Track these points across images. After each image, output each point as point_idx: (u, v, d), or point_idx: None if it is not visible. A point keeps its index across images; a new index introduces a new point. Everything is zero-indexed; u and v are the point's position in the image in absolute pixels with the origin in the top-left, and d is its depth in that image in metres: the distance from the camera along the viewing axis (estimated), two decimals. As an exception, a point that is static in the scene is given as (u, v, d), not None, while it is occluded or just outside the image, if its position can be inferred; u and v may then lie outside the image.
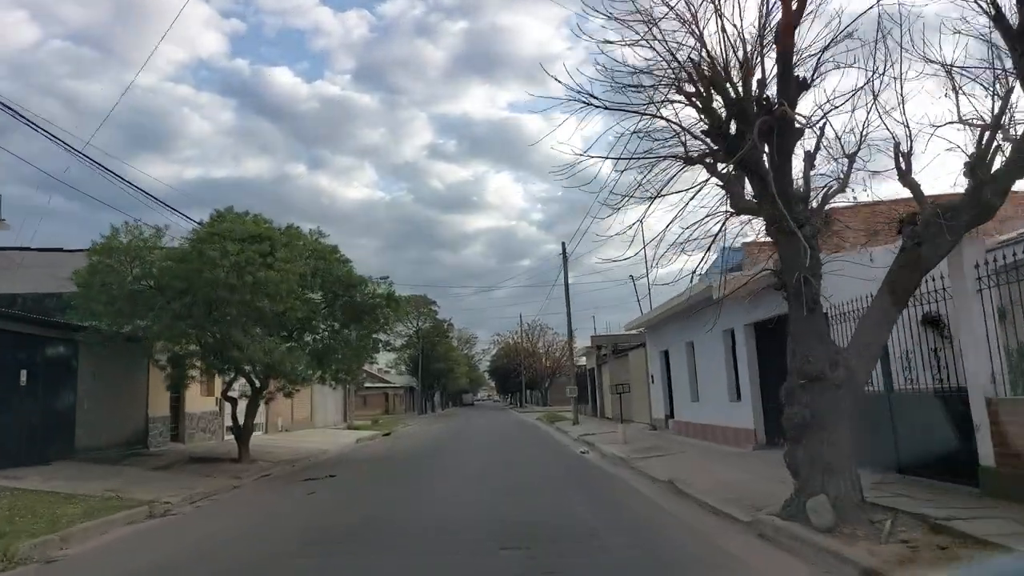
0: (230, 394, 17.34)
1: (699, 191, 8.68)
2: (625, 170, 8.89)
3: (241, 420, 16.99)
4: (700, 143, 8.40)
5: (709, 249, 8.83)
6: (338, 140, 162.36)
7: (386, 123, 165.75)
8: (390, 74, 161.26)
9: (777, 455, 13.44)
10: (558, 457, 16.93)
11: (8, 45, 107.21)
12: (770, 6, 7.53)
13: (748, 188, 8.15)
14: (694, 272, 12.27)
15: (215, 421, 22.59)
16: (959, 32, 7.26)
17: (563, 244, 31.06)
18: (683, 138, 8.50)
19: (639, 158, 8.77)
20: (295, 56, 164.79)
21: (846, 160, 7.76)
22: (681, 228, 8.79)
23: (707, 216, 8.69)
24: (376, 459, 18.43)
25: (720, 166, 8.34)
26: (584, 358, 39.04)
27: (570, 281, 31.15)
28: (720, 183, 8.61)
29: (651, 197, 8.51)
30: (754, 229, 8.80)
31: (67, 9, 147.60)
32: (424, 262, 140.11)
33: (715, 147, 8.34)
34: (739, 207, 8.43)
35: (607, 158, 9.06)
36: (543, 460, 16.28)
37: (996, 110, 6.89)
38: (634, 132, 8.48)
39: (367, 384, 72.23)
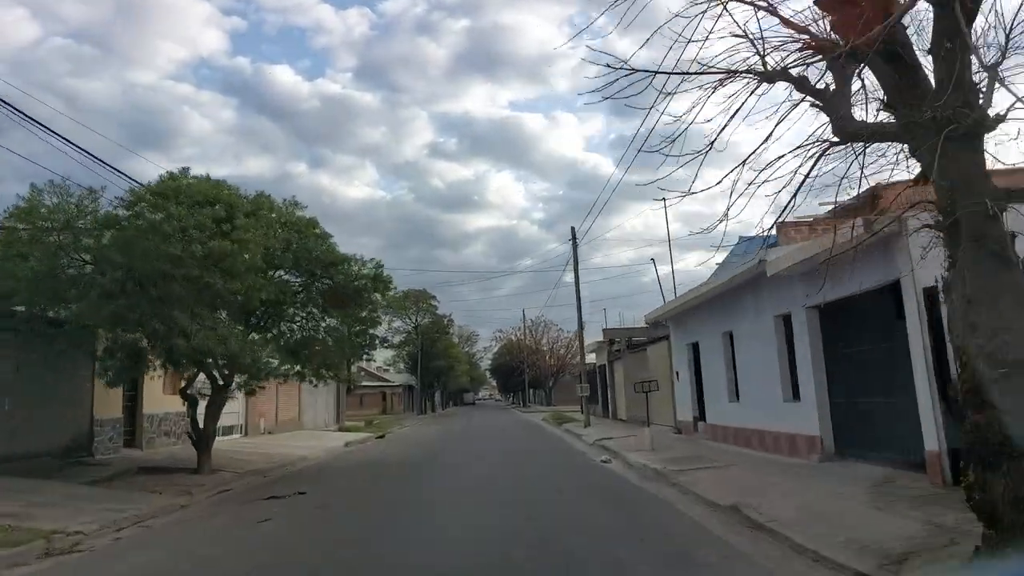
0: (190, 392, 14.71)
1: (785, 115, 6.13)
2: (674, 92, 6.21)
3: (205, 423, 14.41)
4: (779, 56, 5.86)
5: (795, 196, 6.20)
6: (339, 139, 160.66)
7: (387, 122, 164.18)
8: (391, 72, 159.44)
9: (854, 469, 10.66)
10: (576, 468, 14.33)
11: (7, 43, 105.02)
12: None
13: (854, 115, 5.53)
14: (765, 240, 9.84)
15: (182, 423, 19.97)
16: None
17: (572, 229, 28.51)
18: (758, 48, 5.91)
19: (705, 72, 6.16)
20: (296, 54, 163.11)
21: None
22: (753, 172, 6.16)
23: (798, 148, 6.12)
24: (361, 468, 15.83)
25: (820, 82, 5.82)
26: (593, 355, 36.42)
27: (573, 280, 28.55)
28: (817, 102, 6.07)
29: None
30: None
31: (67, 7, 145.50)
32: (425, 261, 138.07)
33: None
34: (849, 131, 5.86)
35: (654, 72, 6.36)
36: (559, 471, 13.68)
37: None
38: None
39: (364, 383, 69.74)
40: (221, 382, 14.19)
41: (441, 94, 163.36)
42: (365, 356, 61.01)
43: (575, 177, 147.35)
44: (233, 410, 23.36)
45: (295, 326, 16.23)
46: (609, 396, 32.45)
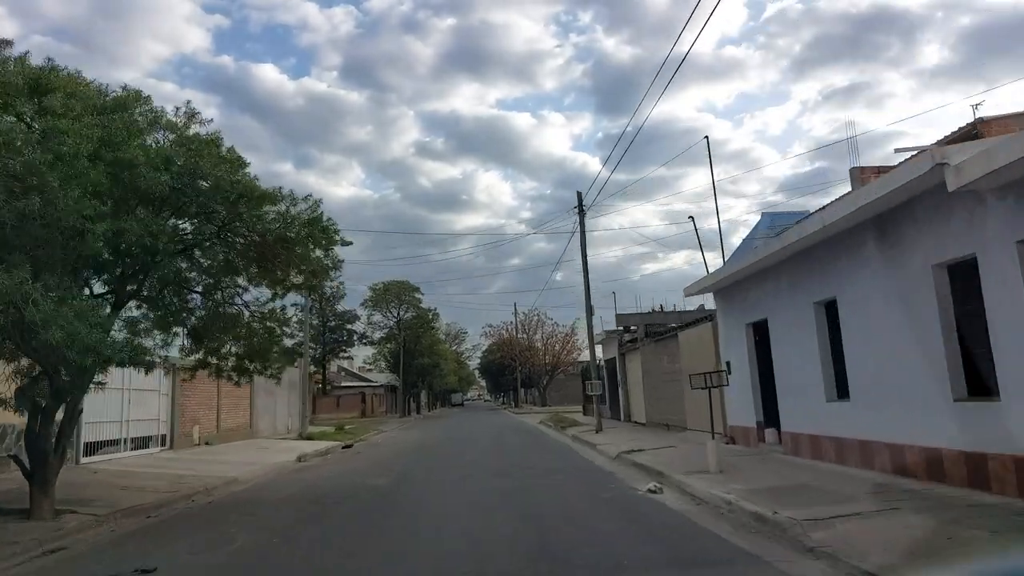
0: (28, 393, 9.61)
1: None
2: None
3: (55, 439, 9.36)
4: None
5: None
6: (325, 138, 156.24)
7: (374, 120, 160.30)
8: (378, 71, 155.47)
9: None
10: (614, 504, 9.33)
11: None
12: None
13: None
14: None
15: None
16: None
17: (579, 195, 23.58)
18: None
19: None
20: (281, 52, 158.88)
21: None
22: None
23: None
24: (294, 504, 10.79)
25: None
26: (599, 348, 31.52)
27: (581, 259, 23.63)
28: None
29: None
30: None
31: (47, 4, 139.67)
32: (412, 261, 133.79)
33: None
34: None
35: None
36: (591, 513, 8.75)
37: None
38: None
39: (345, 383, 64.69)
40: (67, 380, 9.09)
41: (428, 93, 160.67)
42: (342, 354, 56.02)
43: (563, 176, 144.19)
44: (148, 416, 18.29)
45: (199, 297, 11.27)
46: (620, 395, 27.59)
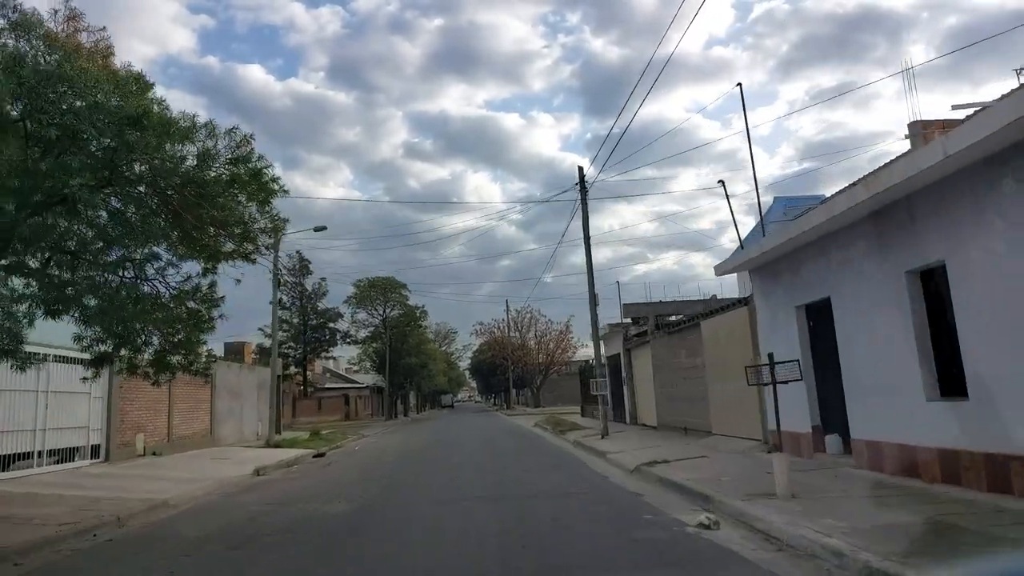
0: None
1: None
2: None
3: None
4: None
5: None
6: (313, 139, 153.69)
7: (362, 121, 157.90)
8: (365, 72, 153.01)
9: None
10: (661, 552, 6.54)
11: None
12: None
13: None
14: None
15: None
16: None
17: (580, 169, 20.86)
18: None
19: None
20: (267, 53, 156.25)
21: None
22: None
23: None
24: (215, 541, 7.97)
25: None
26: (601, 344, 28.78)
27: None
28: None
29: None
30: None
31: (28, 1, 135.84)
32: (402, 263, 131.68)
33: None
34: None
35: None
36: (627, 567, 6.02)
37: None
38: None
39: (328, 385, 61.75)
40: None
41: (416, 93, 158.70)
42: (325, 354, 53.10)
43: (552, 176, 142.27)
44: (74, 423, 15.42)
45: (101, 270, 8.49)
46: (625, 395, 24.88)
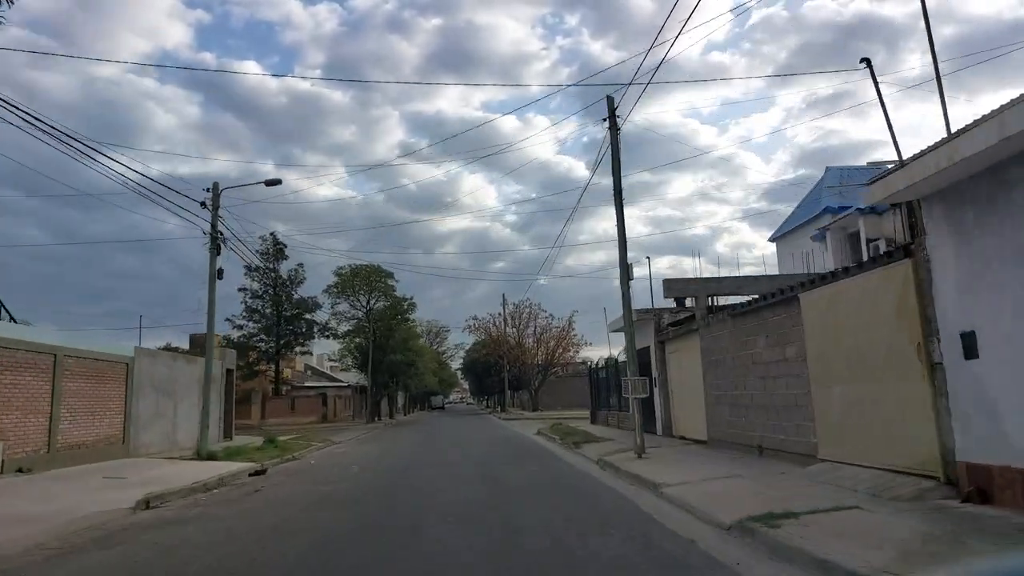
0: None
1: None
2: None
3: None
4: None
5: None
6: (308, 137, 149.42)
7: (357, 121, 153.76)
8: (362, 70, 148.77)
9: None
10: None
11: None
12: None
13: None
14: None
15: None
16: None
17: (609, 100, 15.80)
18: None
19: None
20: (263, 50, 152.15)
21: None
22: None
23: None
24: None
25: None
26: (617, 339, 23.76)
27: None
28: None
29: None
30: None
31: None
32: (397, 263, 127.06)
33: None
34: None
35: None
36: None
37: None
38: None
39: (308, 383, 56.49)
40: None
41: (413, 93, 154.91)
42: (300, 348, 47.79)
43: (548, 180, 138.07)
44: None
45: None
46: (657, 400, 19.78)
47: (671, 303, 19.11)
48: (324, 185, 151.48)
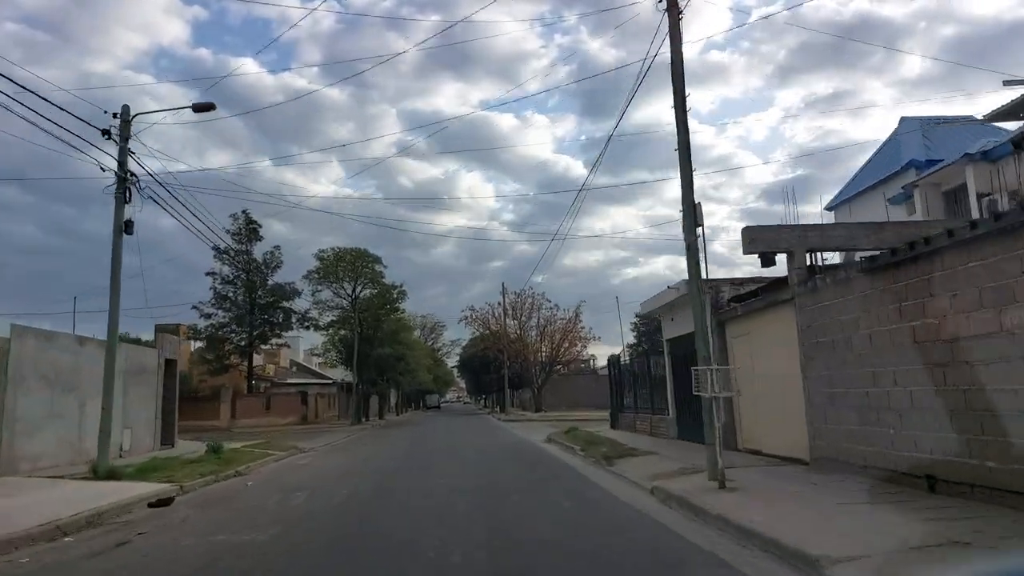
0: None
1: None
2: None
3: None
4: None
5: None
6: (305, 135, 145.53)
7: (355, 118, 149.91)
8: (359, 68, 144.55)
9: None
10: None
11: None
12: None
13: None
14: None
15: None
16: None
17: (669, -24, 11.10)
18: None
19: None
20: (260, 47, 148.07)
21: None
22: None
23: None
24: None
25: None
26: (669, 322, 19.02)
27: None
28: None
29: None
30: None
31: None
32: (394, 261, 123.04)
33: None
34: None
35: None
36: None
37: None
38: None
39: (289, 379, 51.69)
40: None
41: (410, 91, 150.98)
42: (275, 340, 42.90)
43: (546, 178, 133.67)
44: None
45: None
46: (719, 400, 14.98)
47: (726, 274, 14.32)
48: (320, 183, 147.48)
